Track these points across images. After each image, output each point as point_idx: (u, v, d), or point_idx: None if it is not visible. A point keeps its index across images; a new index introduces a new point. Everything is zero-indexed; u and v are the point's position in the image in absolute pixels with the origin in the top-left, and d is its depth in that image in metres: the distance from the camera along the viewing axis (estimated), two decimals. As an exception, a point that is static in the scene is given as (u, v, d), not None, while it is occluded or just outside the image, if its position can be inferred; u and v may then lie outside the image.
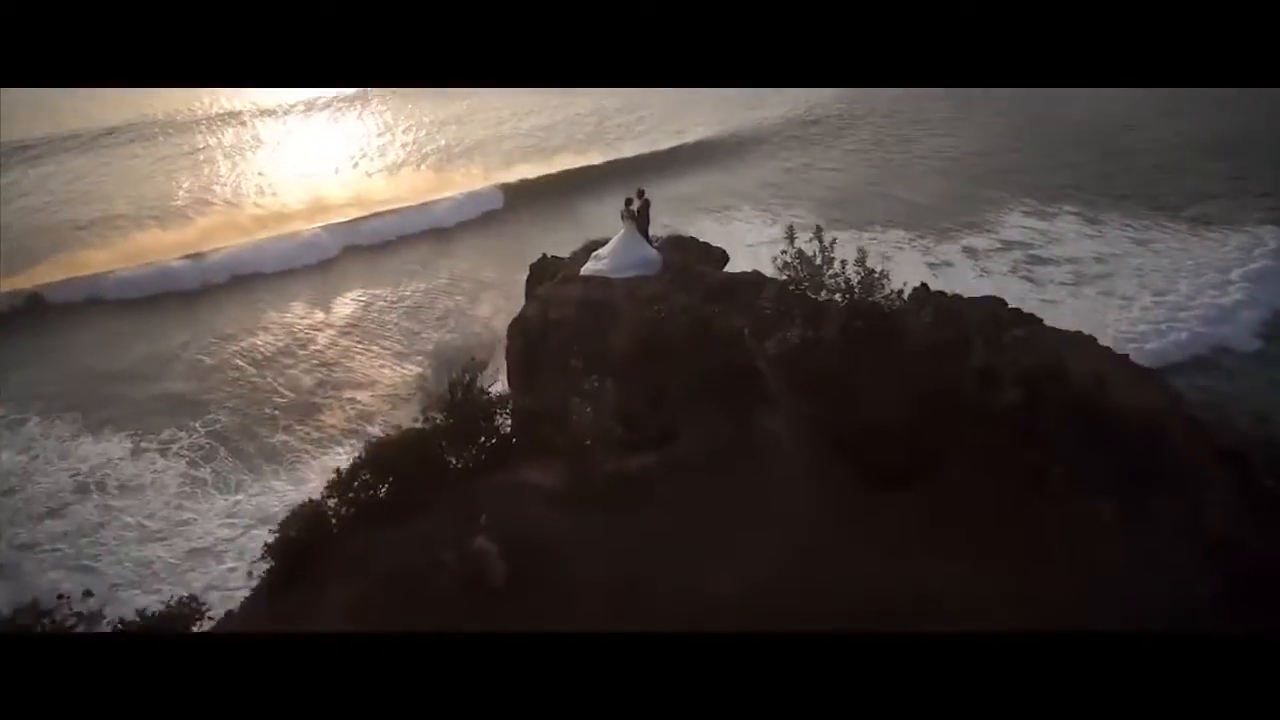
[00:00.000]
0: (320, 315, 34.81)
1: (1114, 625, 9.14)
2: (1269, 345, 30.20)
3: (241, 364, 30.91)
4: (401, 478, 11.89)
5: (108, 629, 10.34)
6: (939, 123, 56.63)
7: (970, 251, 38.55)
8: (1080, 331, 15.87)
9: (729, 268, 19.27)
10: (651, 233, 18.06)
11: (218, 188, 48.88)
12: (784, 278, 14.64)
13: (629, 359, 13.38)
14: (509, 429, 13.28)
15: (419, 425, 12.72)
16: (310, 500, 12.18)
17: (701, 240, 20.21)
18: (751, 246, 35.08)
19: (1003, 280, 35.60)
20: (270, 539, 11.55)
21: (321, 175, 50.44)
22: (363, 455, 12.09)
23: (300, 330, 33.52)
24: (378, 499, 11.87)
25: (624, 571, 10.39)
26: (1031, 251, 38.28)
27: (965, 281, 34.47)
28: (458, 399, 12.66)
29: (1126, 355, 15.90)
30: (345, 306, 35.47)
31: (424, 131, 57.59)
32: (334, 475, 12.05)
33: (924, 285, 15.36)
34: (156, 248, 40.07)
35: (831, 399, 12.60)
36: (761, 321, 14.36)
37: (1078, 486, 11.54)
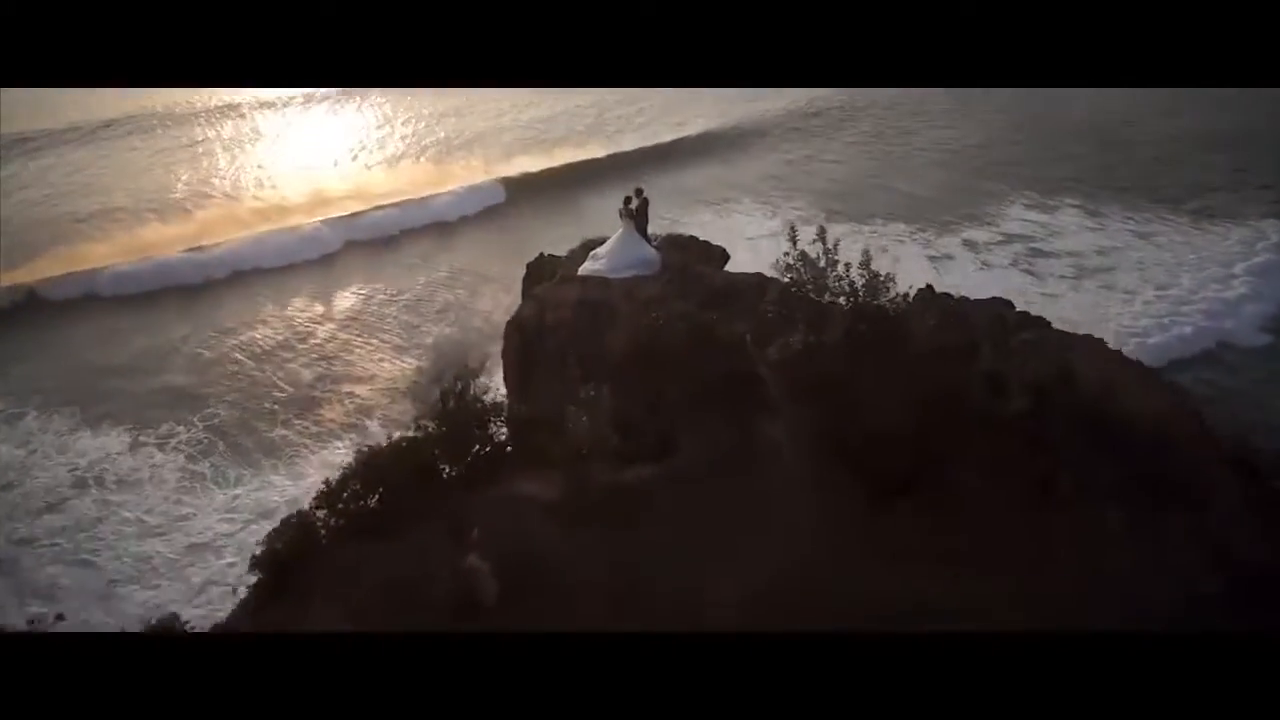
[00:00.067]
0: (320, 309, 34.59)
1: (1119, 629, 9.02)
2: (1275, 339, 29.97)
3: (241, 358, 30.73)
4: (392, 488, 11.64)
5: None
6: (939, 115, 56.23)
7: (971, 244, 38.24)
8: (1090, 335, 15.67)
9: (730, 263, 19.09)
10: (652, 229, 17.87)
11: (217, 180, 48.62)
12: (786, 279, 14.41)
13: (627, 366, 13.16)
14: (503, 437, 13.01)
15: (411, 433, 12.48)
16: (298, 511, 11.94)
17: (701, 238, 19.99)
18: (752, 239, 35.06)
19: (1004, 273, 35.42)
20: (257, 551, 11.34)
21: (321, 168, 50.10)
22: (353, 465, 11.85)
23: (299, 324, 33.33)
24: (368, 509, 11.62)
25: (622, 588, 10.15)
26: (1033, 244, 37.96)
27: (966, 274, 34.37)
28: (450, 407, 12.42)
29: (1135, 359, 15.70)
30: (345, 300, 35.27)
31: (423, 124, 57.26)
32: (323, 486, 11.79)
33: (929, 287, 15.14)
34: (156, 241, 39.93)
35: (835, 405, 12.31)
36: (763, 327, 14.10)
37: (1085, 494, 11.38)
